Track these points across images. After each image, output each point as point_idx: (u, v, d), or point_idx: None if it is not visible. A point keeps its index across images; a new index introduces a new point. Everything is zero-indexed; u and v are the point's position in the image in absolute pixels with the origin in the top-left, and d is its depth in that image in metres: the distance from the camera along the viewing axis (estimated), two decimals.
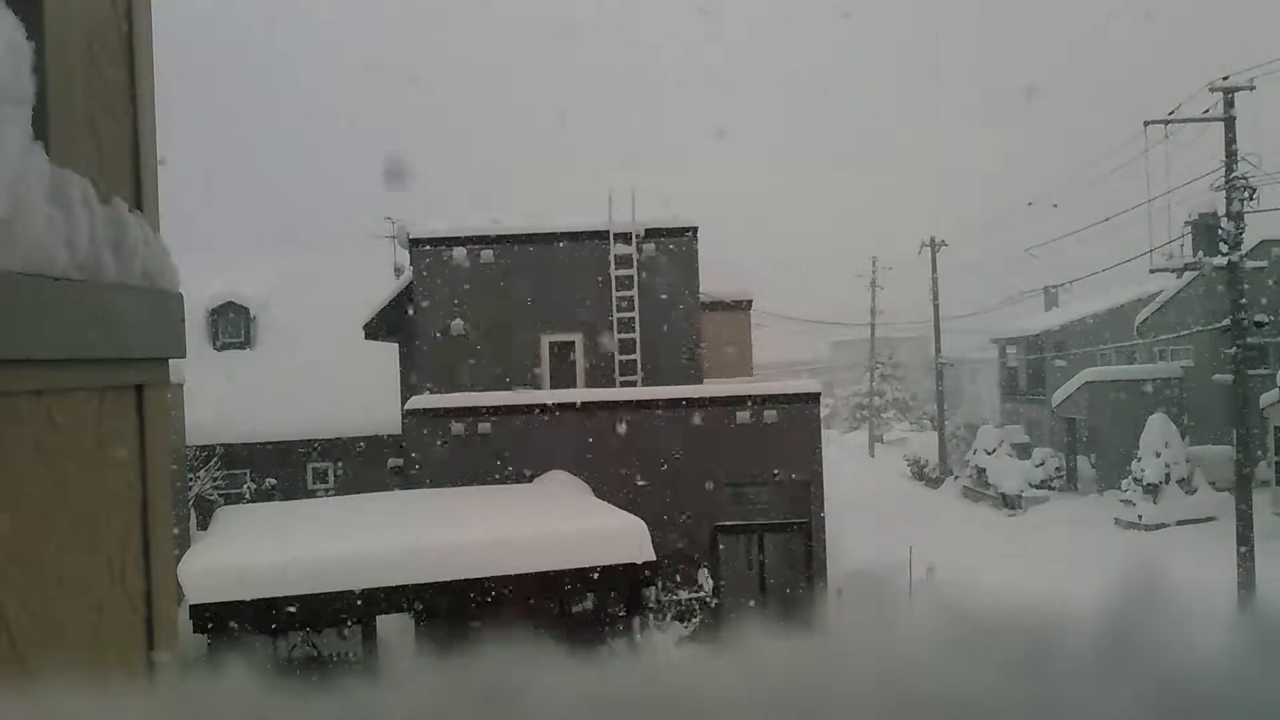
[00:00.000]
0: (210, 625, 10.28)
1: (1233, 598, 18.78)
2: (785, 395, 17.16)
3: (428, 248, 18.97)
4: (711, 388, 17.94)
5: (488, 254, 18.90)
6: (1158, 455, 27.76)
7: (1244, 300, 21.07)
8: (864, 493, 32.84)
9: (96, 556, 2.82)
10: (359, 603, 10.91)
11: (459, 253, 18.84)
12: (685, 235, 19.30)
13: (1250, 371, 21.71)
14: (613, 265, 18.90)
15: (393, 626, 12.25)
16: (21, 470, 2.39)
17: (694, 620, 15.42)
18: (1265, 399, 26.00)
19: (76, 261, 2.51)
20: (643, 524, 12.32)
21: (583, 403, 17.02)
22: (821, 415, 17.75)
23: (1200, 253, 23.25)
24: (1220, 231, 21.69)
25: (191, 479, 21.78)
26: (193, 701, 0.79)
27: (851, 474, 35.65)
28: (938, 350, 45.24)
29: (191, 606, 10.18)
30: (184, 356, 3.55)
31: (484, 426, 16.53)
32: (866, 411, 57.37)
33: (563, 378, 19.01)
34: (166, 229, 3.62)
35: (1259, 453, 25.56)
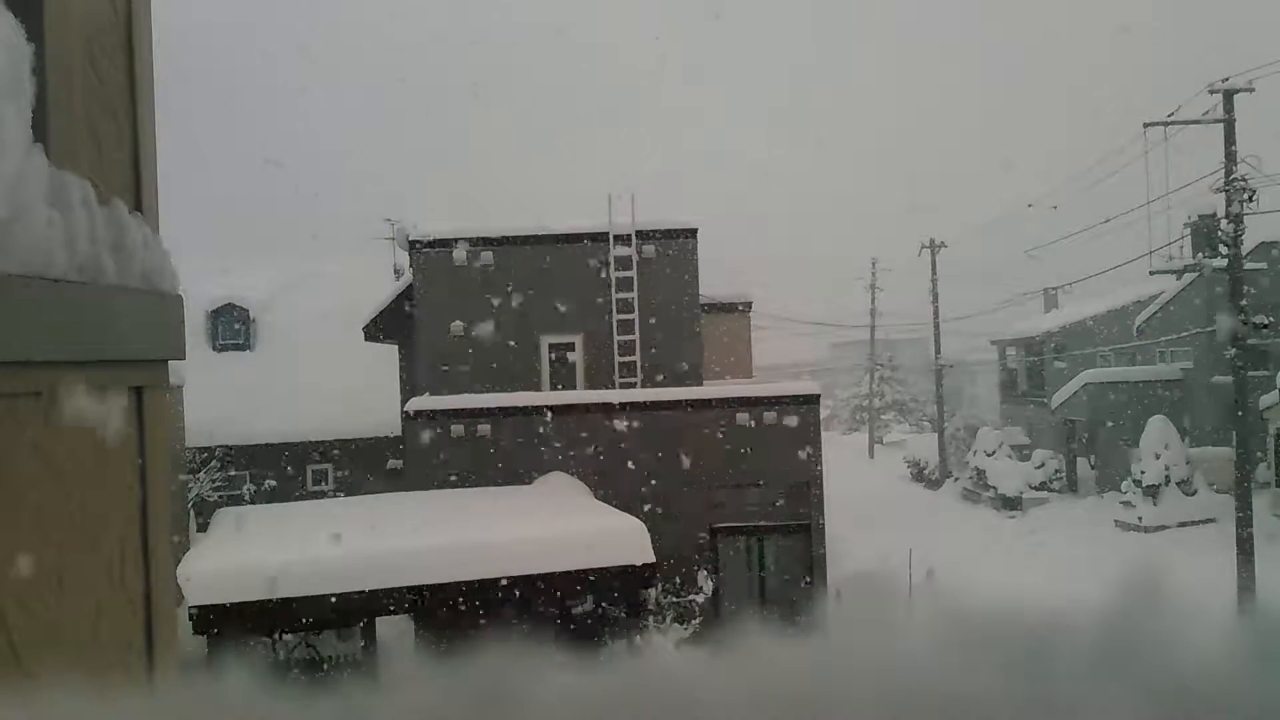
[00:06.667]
0: (210, 627, 10.28)
1: (1232, 599, 18.78)
2: (785, 397, 17.16)
3: (427, 249, 18.98)
4: (711, 389, 17.95)
5: (487, 255, 18.91)
6: (1157, 457, 27.76)
7: (1244, 302, 21.07)
8: (864, 494, 32.83)
9: (96, 558, 2.82)
10: (358, 604, 10.91)
11: (458, 254, 18.85)
12: (685, 237, 19.31)
13: (1250, 373, 21.71)
14: (612, 267, 18.91)
15: (392, 628, 12.25)
16: (21, 471, 2.39)
17: (693, 622, 15.40)
18: (1264, 401, 26.00)
19: (76, 263, 2.51)
20: (642, 525, 12.33)
21: (582, 404, 17.02)
22: (821, 417, 17.75)
23: (1200, 254, 23.26)
24: (1220, 233, 21.70)
25: (191, 480, 21.77)
26: (192, 703, 0.79)
27: (851, 475, 35.63)
28: (937, 352, 45.25)
29: (191, 608, 10.18)
30: (184, 358, 3.55)
31: (483, 428, 16.53)
32: (866, 413, 57.37)
33: (562, 379, 19.02)
34: (166, 230, 3.62)
35: (1258, 454, 25.56)
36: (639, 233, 19.03)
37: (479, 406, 16.73)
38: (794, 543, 16.82)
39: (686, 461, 16.48)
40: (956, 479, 37.84)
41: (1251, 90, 21.01)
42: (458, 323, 18.75)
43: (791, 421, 16.89)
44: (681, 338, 19.19)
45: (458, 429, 16.52)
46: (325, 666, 11.61)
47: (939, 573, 20.54)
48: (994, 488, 33.12)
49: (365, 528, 12.98)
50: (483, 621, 11.22)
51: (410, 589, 11.01)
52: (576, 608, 12.80)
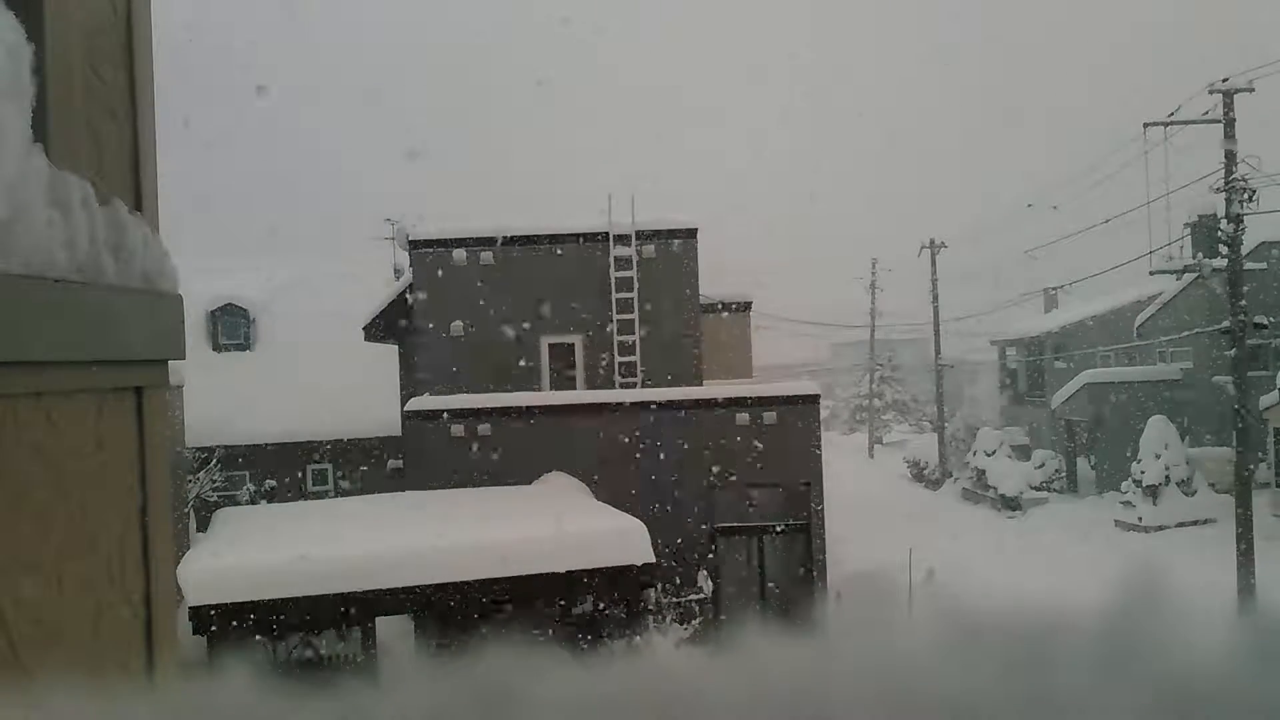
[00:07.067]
0: (209, 627, 10.28)
1: (1232, 599, 18.78)
2: (785, 397, 17.17)
3: (427, 249, 18.98)
4: (711, 389, 17.95)
5: (487, 255, 18.91)
6: (1157, 457, 27.76)
7: (1243, 302, 21.07)
8: (864, 494, 32.83)
9: (96, 558, 2.82)
10: (358, 605, 10.92)
11: (459, 254, 18.85)
12: (685, 236, 19.31)
13: (1250, 373, 21.72)
14: (612, 267, 18.91)
15: (392, 628, 12.25)
16: (21, 472, 2.39)
17: (694, 622, 15.41)
18: (1264, 401, 26.01)
19: (76, 263, 2.51)
20: (642, 526, 12.33)
21: (582, 404, 17.02)
22: (821, 417, 17.76)
23: (1200, 255, 23.26)
24: (1220, 233, 21.70)
25: (191, 481, 21.77)
26: (192, 704, 0.79)
27: (851, 476, 35.64)
28: (937, 352, 45.24)
29: (191, 608, 10.18)
30: (183, 358, 3.55)
31: (484, 428, 16.53)
32: (866, 413, 57.38)
33: (562, 379, 19.02)
34: (165, 230, 3.62)
35: (1259, 454, 25.56)
36: (639, 233, 19.04)
37: (479, 406, 16.74)
38: (794, 543, 16.82)
39: (686, 461, 16.48)
40: (956, 479, 37.83)
41: (1251, 90, 21.01)
42: (458, 323, 18.76)
43: (792, 421, 16.89)
44: (681, 338, 19.20)
45: (458, 429, 16.52)
46: (325, 666, 11.61)
47: (939, 573, 20.53)
48: (994, 488, 33.12)
49: (364, 528, 12.98)
50: (482, 621, 11.22)
51: (410, 589, 11.01)
52: (577, 608, 12.80)
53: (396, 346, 22.65)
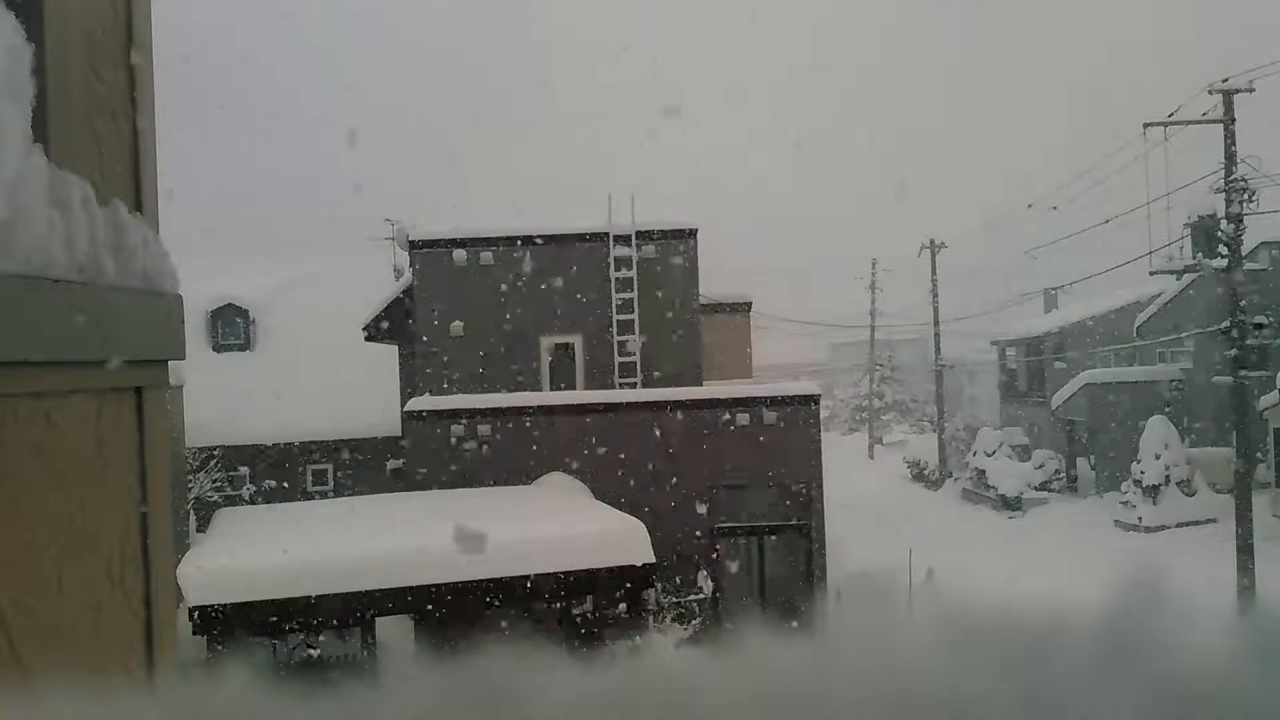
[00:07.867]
0: (210, 627, 10.29)
1: (1232, 599, 18.78)
2: (785, 397, 17.17)
3: (428, 249, 18.98)
4: (711, 389, 17.95)
5: (487, 256, 18.91)
6: (1157, 457, 27.76)
7: (1243, 302, 21.08)
8: (863, 494, 32.82)
9: (96, 558, 2.82)
10: (358, 605, 10.91)
11: (459, 255, 18.85)
12: (685, 237, 19.31)
13: (1249, 374, 21.72)
14: (612, 267, 18.91)
15: (392, 629, 12.25)
16: (21, 472, 2.39)
17: (694, 622, 15.41)
18: (1264, 401, 26.00)
19: (76, 263, 2.51)
20: (642, 526, 12.33)
21: (582, 404, 17.02)
22: (821, 417, 17.76)
23: (1200, 255, 23.26)
24: (1220, 233, 21.70)
25: (191, 481, 21.77)
26: (192, 704, 0.79)
27: (851, 476, 35.63)
28: (937, 352, 45.22)
29: (191, 608, 10.18)
30: (183, 358, 3.55)
31: (483, 428, 16.53)
32: (866, 413, 57.36)
33: (562, 379, 19.02)
34: (165, 230, 3.62)
35: (1259, 454, 25.56)
36: (639, 233, 19.04)
37: (479, 406, 16.74)
38: (794, 543, 16.82)
39: (686, 462, 16.48)
40: (956, 479, 37.82)
41: (1251, 90, 21.01)
42: (458, 323, 18.75)
43: (791, 422, 16.89)
44: (681, 338, 19.20)
45: (458, 429, 16.52)
46: (325, 666, 11.61)
47: (939, 573, 20.53)
48: (994, 488, 33.11)
49: (364, 528, 12.98)
50: (483, 621, 11.22)
51: (410, 589, 11.01)
52: (576, 608, 12.80)
53: (396, 346, 22.65)
